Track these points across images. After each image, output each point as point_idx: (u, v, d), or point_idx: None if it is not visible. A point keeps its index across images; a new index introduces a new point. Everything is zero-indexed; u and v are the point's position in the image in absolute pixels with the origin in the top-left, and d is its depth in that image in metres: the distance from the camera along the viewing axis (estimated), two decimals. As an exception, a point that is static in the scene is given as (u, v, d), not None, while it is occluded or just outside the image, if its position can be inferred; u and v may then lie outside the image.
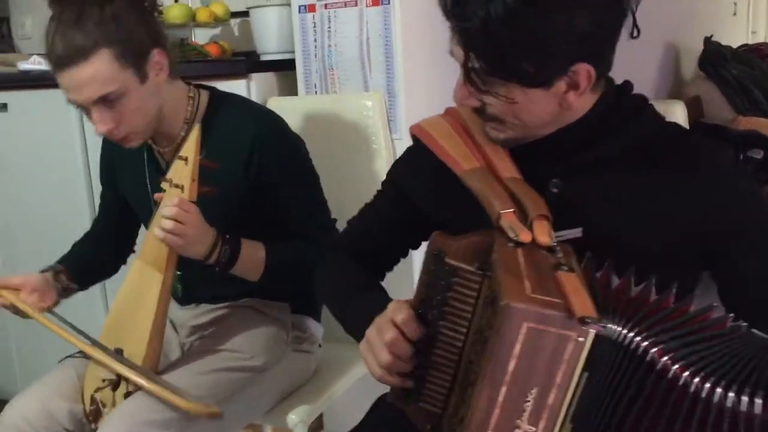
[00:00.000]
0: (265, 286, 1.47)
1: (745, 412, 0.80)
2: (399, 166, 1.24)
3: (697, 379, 0.81)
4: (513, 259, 0.91)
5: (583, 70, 0.97)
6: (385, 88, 1.87)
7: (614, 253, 0.93)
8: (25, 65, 2.29)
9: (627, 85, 1.09)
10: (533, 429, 0.84)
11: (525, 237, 0.94)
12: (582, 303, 0.83)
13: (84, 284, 1.61)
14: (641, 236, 1.02)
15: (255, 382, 1.46)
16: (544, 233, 0.95)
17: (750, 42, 4.41)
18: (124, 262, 1.71)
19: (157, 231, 1.30)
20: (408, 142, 1.84)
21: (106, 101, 1.32)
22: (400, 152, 1.84)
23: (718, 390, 0.81)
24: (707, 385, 0.81)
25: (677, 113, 1.31)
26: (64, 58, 1.29)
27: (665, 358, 0.82)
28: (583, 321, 0.81)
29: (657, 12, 3.30)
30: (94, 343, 1.40)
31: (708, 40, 3.72)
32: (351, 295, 1.07)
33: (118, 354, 1.37)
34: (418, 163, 1.16)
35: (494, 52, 0.96)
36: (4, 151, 2.40)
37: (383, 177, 1.78)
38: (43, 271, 1.52)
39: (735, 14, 4.62)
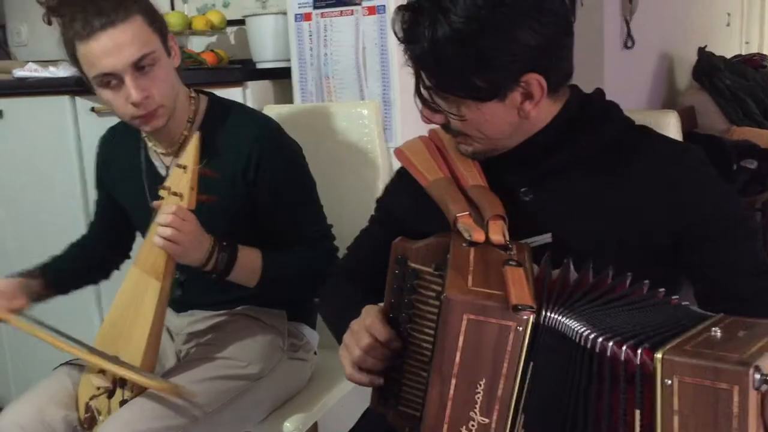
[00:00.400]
0: (261, 292, 1.47)
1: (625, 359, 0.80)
2: (387, 189, 1.28)
3: (611, 343, 0.81)
4: (464, 258, 0.94)
5: (534, 81, 1.00)
6: (381, 96, 1.88)
7: (588, 254, 0.96)
8: (20, 72, 2.29)
9: (597, 92, 1.11)
10: (486, 420, 0.86)
11: (478, 236, 0.97)
12: (520, 294, 0.86)
13: (65, 288, 1.61)
14: (612, 236, 1.04)
15: (251, 390, 1.46)
16: (497, 232, 0.98)
17: (743, 52, 4.44)
18: (117, 267, 1.71)
19: (155, 239, 1.30)
20: (404, 150, 1.87)
21: (141, 66, 1.34)
22: (395, 161, 1.86)
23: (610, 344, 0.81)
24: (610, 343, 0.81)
25: (670, 124, 1.32)
26: (101, 21, 1.30)
27: (589, 333, 0.83)
28: (516, 308, 0.84)
29: (651, 23, 3.32)
30: (91, 350, 1.40)
31: (702, 51, 3.75)
32: (343, 316, 1.10)
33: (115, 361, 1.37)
34: (404, 184, 1.19)
35: (444, 71, 1.00)
36: (1, 157, 2.40)
37: (378, 185, 1.81)
38: (18, 275, 1.52)
39: (728, 25, 4.66)
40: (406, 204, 1.18)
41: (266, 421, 1.54)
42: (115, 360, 1.36)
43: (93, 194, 1.70)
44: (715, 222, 1.04)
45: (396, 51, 1.83)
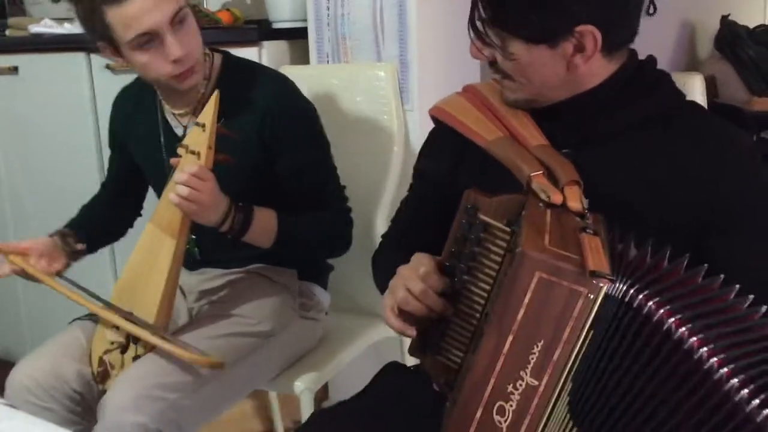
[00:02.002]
0: (276, 252, 1.47)
1: (747, 413, 0.78)
2: (422, 153, 1.25)
3: (714, 359, 0.79)
4: (540, 218, 0.91)
5: (589, 34, 0.97)
6: (398, 58, 1.85)
7: (625, 226, 0.93)
8: (36, 28, 2.28)
9: (650, 59, 1.08)
10: (536, 383, 0.84)
11: (556, 198, 0.95)
12: (598, 261, 0.83)
13: (93, 247, 1.62)
14: (651, 210, 1.02)
15: (262, 348, 1.47)
16: (575, 198, 0.96)
17: (767, 22, 4.35)
18: (131, 225, 1.72)
19: (171, 196, 1.30)
20: (419, 113, 1.85)
21: (178, 21, 1.34)
22: (411, 123, 1.85)
23: (734, 381, 0.78)
24: (724, 369, 0.79)
25: (696, 86, 1.29)
26: None
27: (683, 329, 0.81)
28: (594, 274, 0.81)
29: (674, -11, 3.26)
30: (107, 305, 1.41)
31: (725, 19, 3.68)
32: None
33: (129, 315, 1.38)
34: (440, 144, 1.16)
35: (501, 3, 0.98)
36: (15, 114, 2.40)
37: (394, 148, 1.80)
38: (51, 235, 1.53)
39: (753, -7, 4.55)
40: (443, 165, 1.15)
41: (277, 379, 1.55)
42: (129, 316, 1.37)
43: (107, 150, 1.70)
44: (750, 214, 1.01)
45: (415, 12, 1.80)
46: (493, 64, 1.06)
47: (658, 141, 1.03)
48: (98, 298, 1.42)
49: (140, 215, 1.72)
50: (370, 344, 1.77)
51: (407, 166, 1.80)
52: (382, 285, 1.22)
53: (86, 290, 1.44)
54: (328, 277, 1.69)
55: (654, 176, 1.02)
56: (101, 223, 1.66)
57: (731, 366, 0.79)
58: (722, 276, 0.85)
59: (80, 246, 1.55)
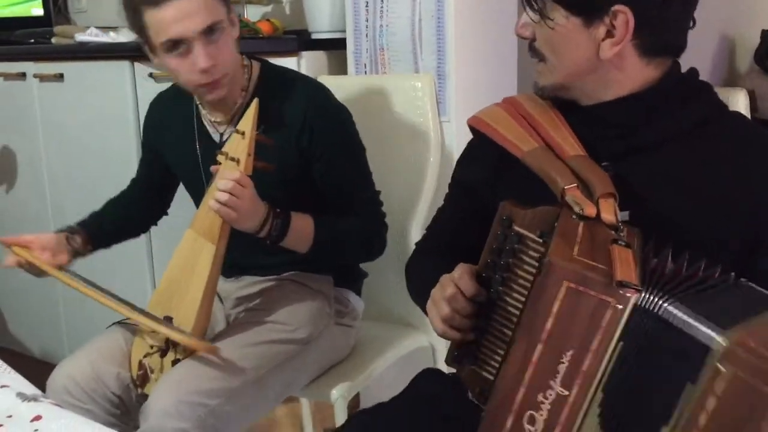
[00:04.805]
0: (312, 258, 1.49)
1: None
2: (460, 163, 1.26)
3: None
4: (572, 229, 0.92)
5: (623, 15, 0.98)
6: (436, 69, 1.86)
7: (662, 235, 0.93)
8: (82, 37, 2.34)
9: (693, 72, 1.09)
10: (566, 393, 0.85)
11: (590, 211, 0.95)
12: (626, 272, 0.83)
13: (107, 243, 1.65)
14: (694, 222, 1.01)
15: (298, 355, 1.48)
16: (609, 211, 0.96)
17: (809, 36, 4.27)
18: (155, 223, 1.76)
19: (212, 203, 1.32)
20: (456, 124, 1.86)
21: (210, 33, 1.37)
22: (447, 134, 1.85)
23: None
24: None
25: (739, 102, 1.28)
26: None
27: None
28: (621, 284, 0.81)
29: (713, 2, 3.22)
30: (133, 308, 1.43)
31: (765, 33, 3.62)
32: (428, 287, 1.09)
33: (167, 321, 1.40)
34: (478, 155, 1.17)
35: None
36: (60, 120, 2.46)
37: (430, 158, 1.81)
38: (58, 232, 1.56)
39: (795, 7, 4.48)
40: (481, 176, 1.16)
41: (311, 387, 1.56)
42: (164, 322, 1.39)
43: (148, 155, 1.74)
44: None
45: (452, 24, 1.81)
46: (531, 47, 1.08)
47: (702, 151, 1.03)
48: (130, 305, 1.44)
49: (166, 214, 1.76)
50: (403, 354, 1.78)
51: (443, 177, 1.81)
52: (415, 292, 1.23)
53: (92, 283, 1.47)
54: (362, 284, 1.71)
55: (697, 187, 1.02)
56: (122, 220, 1.69)
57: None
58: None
59: (86, 248, 1.57)
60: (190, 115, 1.57)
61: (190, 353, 1.37)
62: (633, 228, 0.96)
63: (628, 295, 0.82)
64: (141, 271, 2.36)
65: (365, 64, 1.99)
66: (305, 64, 2.05)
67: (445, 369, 1.19)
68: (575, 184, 0.99)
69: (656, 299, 0.83)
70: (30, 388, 0.87)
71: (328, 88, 1.56)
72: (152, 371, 1.40)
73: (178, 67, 1.40)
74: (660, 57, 1.05)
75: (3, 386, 0.88)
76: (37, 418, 0.80)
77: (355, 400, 2.22)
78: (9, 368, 0.93)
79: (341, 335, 1.62)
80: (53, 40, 2.51)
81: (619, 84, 1.05)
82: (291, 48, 2.04)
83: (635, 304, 0.82)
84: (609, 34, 1.01)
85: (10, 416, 0.81)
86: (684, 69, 1.10)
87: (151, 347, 1.41)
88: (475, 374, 0.99)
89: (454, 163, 1.26)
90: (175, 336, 1.34)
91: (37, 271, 1.49)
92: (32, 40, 2.59)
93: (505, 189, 1.07)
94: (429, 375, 1.23)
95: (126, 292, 1.50)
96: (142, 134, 1.70)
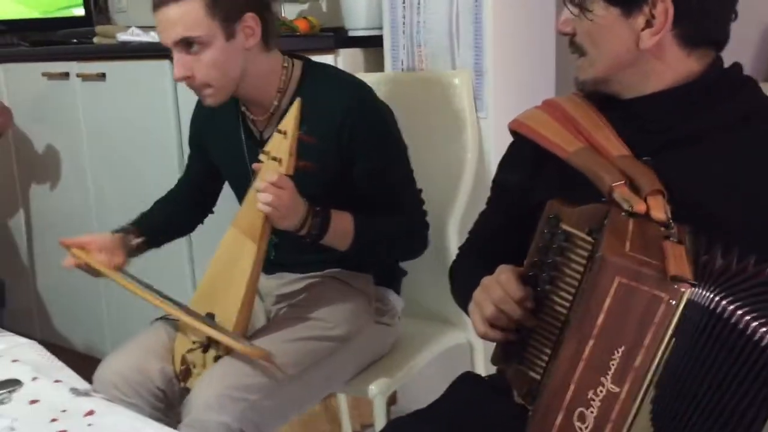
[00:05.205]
0: (351, 255, 1.50)
1: None
2: (500, 166, 1.26)
3: None
4: (623, 226, 0.91)
5: (663, 4, 0.99)
6: (473, 66, 1.86)
7: (706, 229, 0.93)
8: (123, 36, 2.37)
9: (736, 65, 1.08)
10: (617, 389, 0.84)
11: (639, 207, 0.95)
12: (680, 267, 0.82)
13: (158, 243, 1.68)
14: (737, 219, 1.00)
15: (338, 352, 1.49)
16: (659, 208, 0.95)
17: None
18: (201, 222, 1.78)
19: (259, 205, 1.34)
20: (494, 121, 1.85)
21: (187, 46, 1.40)
22: (485, 130, 1.85)
23: None
24: None
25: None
26: None
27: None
28: (675, 279, 0.80)
29: (756, -7, 3.16)
30: (180, 306, 1.45)
31: (810, 24, 3.54)
32: (471, 288, 1.09)
33: (210, 318, 1.42)
34: (519, 158, 1.17)
35: None
36: (102, 118, 2.50)
37: (467, 155, 1.80)
38: (114, 232, 1.59)
39: (840, -3, 4.37)
40: (521, 178, 1.16)
41: (351, 383, 1.57)
42: (207, 321, 1.41)
43: (188, 155, 1.76)
44: None
45: (490, 20, 1.81)
46: (572, 43, 1.08)
47: (743, 144, 1.02)
48: (177, 303, 1.46)
49: (212, 212, 1.78)
50: (441, 352, 1.78)
51: (480, 173, 1.81)
52: (460, 296, 1.23)
53: (146, 284, 1.49)
54: (401, 282, 1.71)
55: (738, 181, 1.01)
56: (170, 219, 1.72)
57: None
58: None
59: (137, 241, 1.59)
60: (236, 111, 1.59)
61: (230, 350, 1.39)
62: (684, 225, 0.95)
63: (682, 289, 0.81)
64: (181, 269, 2.39)
65: (402, 61, 2.00)
66: (342, 61, 2.05)
67: (483, 369, 1.19)
68: (623, 182, 0.98)
69: (710, 294, 0.83)
70: (82, 384, 0.89)
71: (369, 86, 1.56)
72: (194, 366, 1.43)
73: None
74: (701, 48, 1.04)
75: (56, 381, 0.90)
76: (90, 412, 0.83)
77: (392, 396, 2.23)
78: (62, 364, 0.96)
79: (381, 334, 1.62)
80: (95, 39, 2.55)
81: (660, 76, 1.04)
82: (328, 45, 2.05)
83: (689, 299, 0.82)
84: (648, 24, 1.01)
85: (65, 410, 0.84)
86: (726, 64, 1.08)
87: (194, 343, 1.44)
88: (522, 374, 0.98)
89: (491, 159, 1.26)
90: (232, 344, 1.35)
91: (95, 272, 1.52)
92: (75, 40, 2.63)
93: (545, 191, 1.06)
94: (468, 379, 1.23)
95: (166, 287, 1.52)
96: (189, 131, 1.72)
